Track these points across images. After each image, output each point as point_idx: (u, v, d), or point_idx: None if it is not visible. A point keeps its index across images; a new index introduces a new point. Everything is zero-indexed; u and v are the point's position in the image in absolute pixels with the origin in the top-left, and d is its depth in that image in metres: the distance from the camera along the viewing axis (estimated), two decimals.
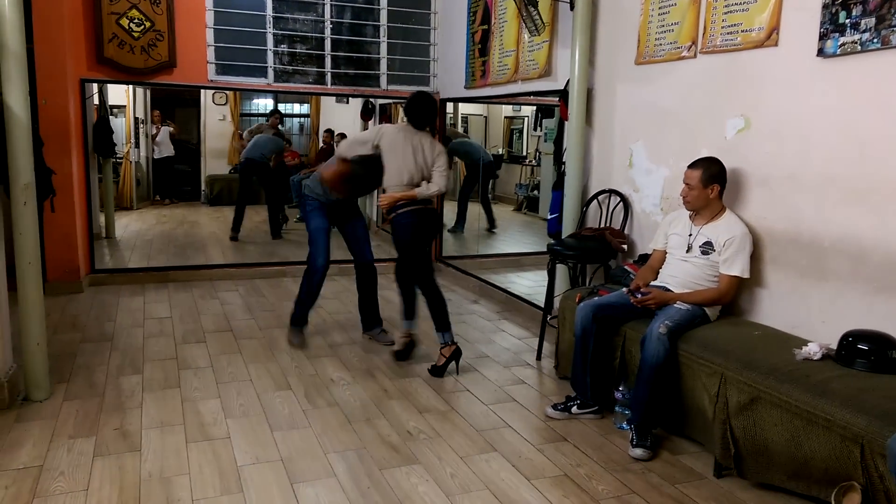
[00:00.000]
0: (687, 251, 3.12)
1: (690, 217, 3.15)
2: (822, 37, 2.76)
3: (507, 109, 10.24)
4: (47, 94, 4.92)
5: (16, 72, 3.04)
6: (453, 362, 3.77)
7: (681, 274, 3.12)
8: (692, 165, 3.08)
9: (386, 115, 8.70)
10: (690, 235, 3.12)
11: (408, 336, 3.98)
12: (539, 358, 4.05)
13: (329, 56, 6.05)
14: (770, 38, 3.01)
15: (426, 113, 3.80)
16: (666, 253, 3.27)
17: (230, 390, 3.44)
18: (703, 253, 3.06)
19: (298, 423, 3.10)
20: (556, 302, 3.96)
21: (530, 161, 10.11)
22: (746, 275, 3.00)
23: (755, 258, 3.06)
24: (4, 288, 3.17)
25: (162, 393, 3.38)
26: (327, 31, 6.03)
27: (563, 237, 4.16)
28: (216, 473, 2.62)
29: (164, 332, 4.36)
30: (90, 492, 2.47)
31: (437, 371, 3.72)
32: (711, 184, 3.02)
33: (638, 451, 2.84)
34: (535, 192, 9.45)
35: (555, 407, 3.25)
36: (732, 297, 3.08)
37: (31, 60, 3.80)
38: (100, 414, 3.12)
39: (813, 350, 2.59)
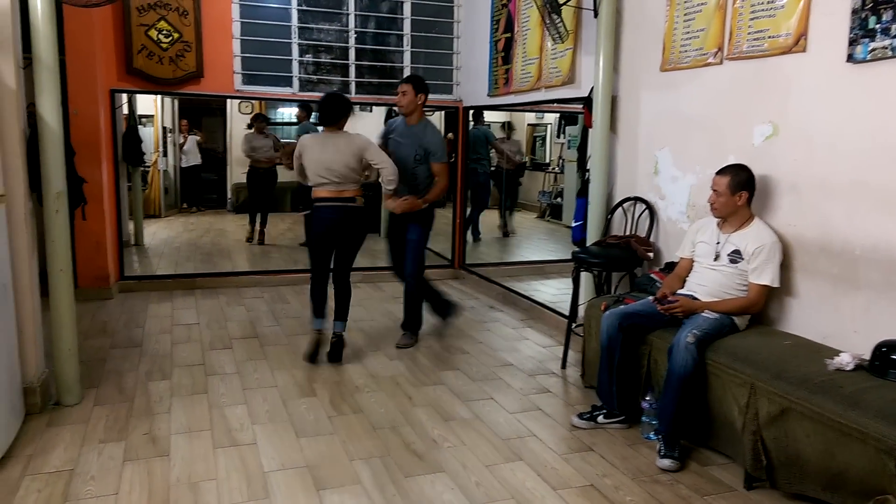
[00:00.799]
0: (715, 259, 3.08)
1: (718, 225, 3.12)
2: (852, 42, 2.72)
3: (531, 117, 10.24)
4: (78, 104, 5.03)
5: (48, 83, 3.12)
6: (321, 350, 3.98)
7: (708, 282, 3.08)
8: (720, 172, 3.05)
9: None
10: (718, 244, 3.08)
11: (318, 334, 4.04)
12: (564, 367, 4.03)
13: (353, 65, 6.10)
14: (798, 43, 2.98)
15: (333, 111, 3.93)
16: (693, 261, 3.23)
17: (256, 396, 3.46)
18: (732, 261, 3.02)
19: (324, 429, 3.11)
20: (581, 310, 3.93)
21: (553, 168, 10.09)
22: (776, 284, 2.95)
23: (785, 266, 3.02)
24: (37, 294, 3.23)
25: (190, 398, 3.42)
26: (351, 41, 6.08)
27: (587, 245, 4.14)
28: (243, 479, 2.65)
29: (191, 338, 4.41)
30: (120, 496, 2.50)
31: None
32: (739, 191, 2.99)
33: (666, 462, 2.81)
34: (559, 199, 9.42)
35: (580, 416, 3.23)
36: (762, 307, 3.04)
37: (62, 72, 3.89)
38: (129, 419, 3.16)
39: (845, 360, 2.54)
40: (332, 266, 4.07)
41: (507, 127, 9.30)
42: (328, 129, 3.97)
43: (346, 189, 3.91)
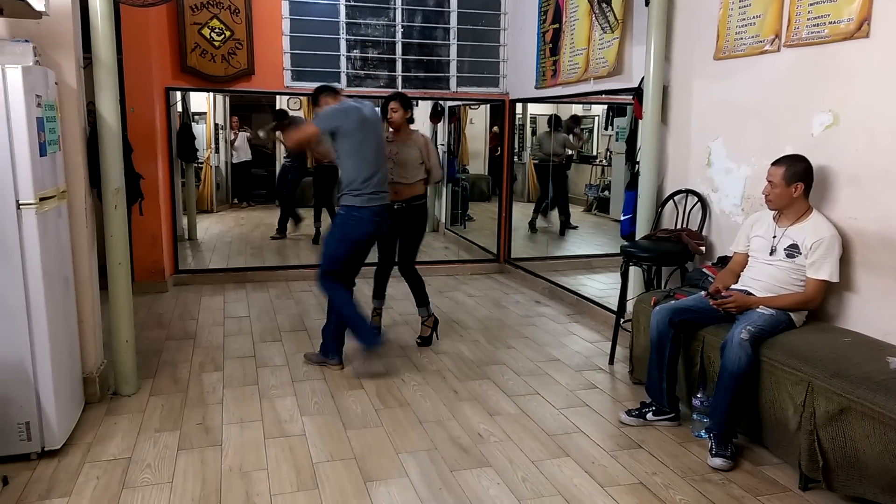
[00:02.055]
0: (771, 254, 2.99)
1: (774, 218, 3.02)
2: None
3: (577, 108, 10.10)
4: (135, 102, 5.18)
5: (107, 81, 3.21)
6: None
7: (764, 277, 2.99)
8: (776, 163, 2.95)
9: (455, 117, 8.73)
10: (774, 237, 2.99)
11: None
12: (612, 362, 3.97)
13: (400, 60, 6.12)
14: (860, 29, 2.85)
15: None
16: (747, 256, 3.14)
17: (305, 388, 3.52)
18: (789, 256, 2.92)
19: (371, 422, 3.14)
20: (630, 305, 3.87)
21: (601, 161, 9.94)
22: (836, 279, 2.85)
23: (844, 261, 2.91)
24: (96, 287, 3.35)
25: (241, 390, 3.49)
26: (398, 35, 6.10)
27: (636, 238, 4.07)
28: (293, 469, 2.69)
29: (242, 330, 4.50)
30: (174, 484, 2.57)
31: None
32: (795, 182, 2.89)
33: (717, 461, 2.74)
34: (606, 192, 9.28)
35: (629, 413, 3.18)
36: (819, 303, 2.93)
37: (120, 71, 4.00)
38: (183, 409, 3.25)
39: None
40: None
41: (554, 120, 9.18)
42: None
43: None
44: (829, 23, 3.00)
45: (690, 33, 3.91)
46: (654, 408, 3.14)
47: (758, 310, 2.89)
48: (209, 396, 3.40)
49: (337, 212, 3.81)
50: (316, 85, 3.96)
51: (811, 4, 3.09)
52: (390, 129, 4.21)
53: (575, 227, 8.14)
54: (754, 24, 3.43)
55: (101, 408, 3.23)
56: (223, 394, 3.43)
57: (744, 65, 3.53)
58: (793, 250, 2.91)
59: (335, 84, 4.69)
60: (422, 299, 4.34)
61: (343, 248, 3.73)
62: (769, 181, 2.95)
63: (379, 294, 4.44)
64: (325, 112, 3.67)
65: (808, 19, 3.11)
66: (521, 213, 7.77)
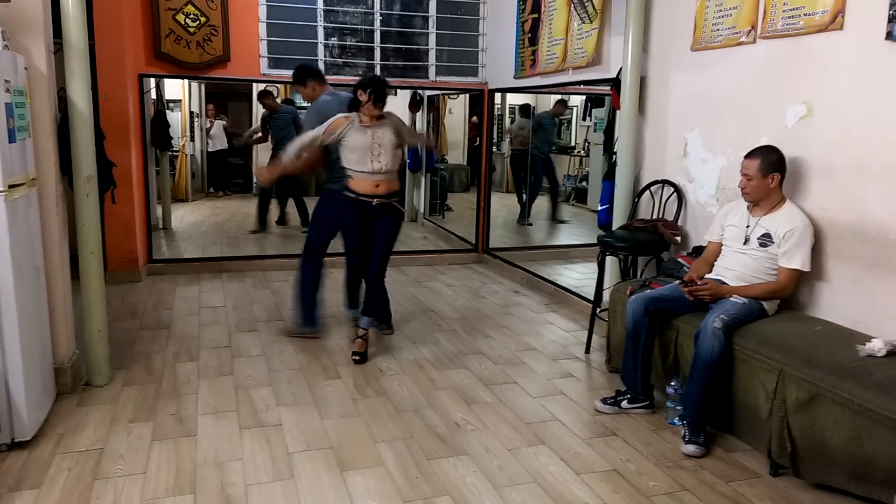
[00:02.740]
0: (744, 243, 3.02)
1: (748, 208, 3.06)
2: (892, 19, 2.63)
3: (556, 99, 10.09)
4: (107, 88, 5.08)
5: (78, 67, 3.15)
6: None
7: (737, 266, 3.02)
8: (749, 155, 2.97)
9: (434, 107, 8.71)
10: (748, 227, 3.02)
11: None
12: (588, 351, 4.00)
13: (378, 48, 6.08)
14: (835, 21, 2.89)
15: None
16: (721, 245, 3.17)
17: (281, 378, 3.50)
18: (762, 245, 2.96)
19: (348, 411, 3.14)
20: (606, 295, 3.90)
21: (579, 151, 9.98)
22: (807, 268, 2.89)
23: (816, 250, 2.95)
24: (68, 277, 3.29)
25: (216, 380, 3.46)
26: (377, 24, 6.06)
27: (613, 229, 4.09)
28: (268, 459, 2.68)
29: (218, 320, 4.46)
30: (148, 474, 2.55)
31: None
32: (771, 173, 2.92)
33: (690, 448, 2.78)
34: (584, 183, 9.33)
35: (604, 401, 3.21)
36: (791, 291, 2.98)
37: (92, 57, 3.92)
38: (157, 399, 3.21)
39: (877, 346, 2.48)
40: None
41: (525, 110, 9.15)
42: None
43: None
44: (804, 15, 3.03)
45: (668, 24, 3.93)
46: (628, 396, 3.18)
47: (731, 299, 2.92)
48: (183, 387, 3.37)
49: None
50: (298, 65, 3.94)
51: None
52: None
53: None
54: (731, 15, 3.45)
55: (73, 398, 3.19)
56: (198, 384, 3.40)
57: (720, 56, 3.55)
58: (766, 239, 2.95)
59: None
60: (375, 310, 3.91)
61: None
62: (744, 174, 2.97)
63: (354, 303, 4.02)
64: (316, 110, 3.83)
65: (784, 11, 3.14)
66: (500, 203, 7.79)
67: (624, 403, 3.17)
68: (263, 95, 7.71)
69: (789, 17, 3.11)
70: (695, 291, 3.01)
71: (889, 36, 2.65)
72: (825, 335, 2.72)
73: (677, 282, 3.17)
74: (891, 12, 2.63)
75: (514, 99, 9.19)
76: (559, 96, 9.58)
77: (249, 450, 2.75)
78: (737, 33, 3.42)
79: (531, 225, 7.83)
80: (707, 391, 2.80)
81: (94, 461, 2.63)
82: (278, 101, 7.97)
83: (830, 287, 2.96)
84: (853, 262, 2.86)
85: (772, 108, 3.23)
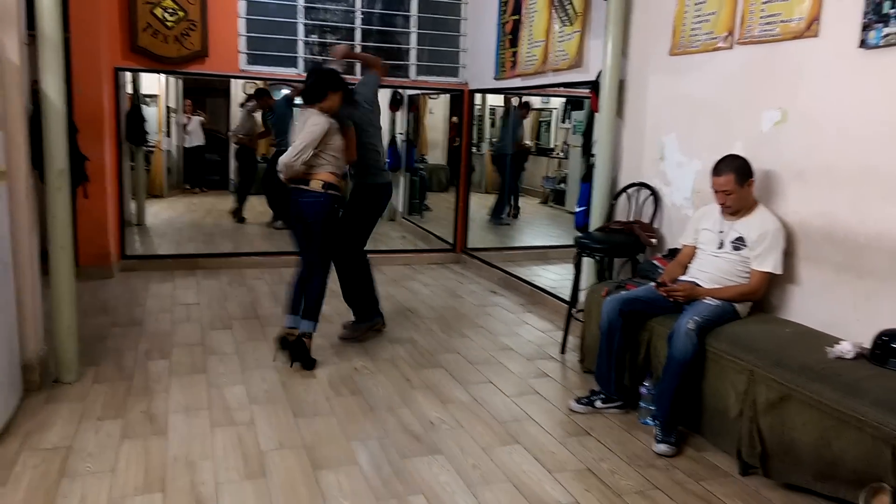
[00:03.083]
0: (719, 247, 3.05)
1: (721, 212, 3.09)
2: (865, 27, 2.68)
3: (535, 101, 10.15)
4: (82, 82, 5.00)
5: (52, 60, 3.09)
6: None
7: (711, 269, 3.06)
8: (720, 172, 2.95)
9: (414, 106, 8.70)
10: (722, 232, 3.05)
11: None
12: (563, 351, 4.02)
13: (359, 46, 6.05)
14: (810, 28, 2.93)
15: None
16: (696, 248, 3.21)
17: (255, 377, 3.47)
18: (735, 248, 2.99)
19: (322, 410, 3.12)
20: (582, 295, 3.92)
21: (558, 153, 10.03)
22: (779, 271, 2.93)
23: (788, 254, 2.99)
24: (37, 272, 3.23)
25: (189, 378, 3.42)
26: (357, 21, 6.03)
27: (590, 230, 4.12)
28: (240, 458, 2.65)
29: (191, 317, 4.41)
30: (117, 472, 2.51)
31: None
32: (747, 180, 2.94)
33: (662, 447, 2.80)
34: (562, 184, 9.37)
35: (578, 401, 3.22)
36: (763, 294, 3.01)
37: (66, 49, 3.85)
38: (128, 397, 3.16)
39: (846, 349, 2.52)
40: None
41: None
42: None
43: None
44: (781, 21, 3.07)
45: (647, 28, 3.96)
46: (602, 395, 3.19)
47: (704, 300, 2.96)
48: (155, 385, 3.32)
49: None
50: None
51: (764, 3, 3.16)
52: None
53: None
54: (709, 20, 3.49)
55: (41, 395, 3.13)
56: (170, 382, 3.36)
57: (698, 61, 3.59)
58: (739, 243, 2.98)
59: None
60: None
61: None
62: (721, 191, 2.95)
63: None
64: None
65: (761, 17, 3.18)
66: (479, 203, 7.80)
67: (598, 403, 3.19)
68: (261, 95, 7.83)
69: (766, 24, 3.15)
70: (669, 292, 3.03)
71: (863, 43, 2.69)
72: (795, 337, 2.76)
73: (652, 284, 3.20)
74: (864, 20, 2.68)
75: (496, 100, 9.22)
76: (539, 99, 9.62)
77: (221, 448, 2.72)
78: (714, 38, 3.45)
79: (508, 224, 7.86)
80: (679, 391, 2.83)
81: (61, 459, 2.58)
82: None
83: (801, 290, 3.01)
84: (823, 265, 2.90)
85: (747, 113, 3.27)
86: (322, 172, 3.56)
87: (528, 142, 8.78)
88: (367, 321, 4.16)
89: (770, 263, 2.92)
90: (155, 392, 3.23)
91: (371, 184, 4.00)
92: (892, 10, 2.57)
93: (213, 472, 2.54)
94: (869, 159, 2.71)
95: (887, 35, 2.59)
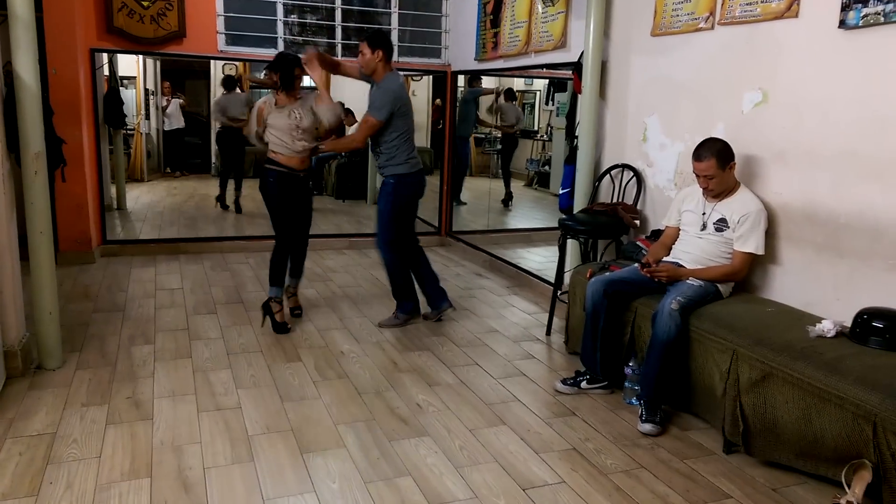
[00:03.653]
0: (702, 229, 3.08)
1: (704, 193, 3.11)
2: (844, 8, 2.69)
3: (519, 83, 10.12)
4: (57, 63, 4.90)
5: (25, 40, 3.02)
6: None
7: (694, 250, 3.08)
8: (700, 157, 2.95)
9: None
10: (704, 214, 3.07)
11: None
12: (549, 333, 4.05)
13: (339, 27, 5.98)
14: (790, 9, 2.94)
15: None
16: (679, 230, 3.23)
17: (241, 361, 3.46)
18: (718, 230, 3.02)
19: (308, 394, 3.12)
20: (567, 277, 3.94)
21: (542, 136, 10.02)
22: (761, 251, 2.96)
23: (770, 234, 3.03)
24: (17, 257, 3.18)
25: (174, 363, 3.40)
26: (338, 2, 5.95)
27: (574, 212, 4.13)
28: (227, 442, 2.65)
29: (175, 303, 4.38)
30: (103, 458, 2.50)
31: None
32: (728, 163, 2.95)
33: (647, 427, 2.84)
34: (547, 167, 9.37)
35: (564, 382, 3.25)
36: (745, 274, 3.05)
37: (40, 30, 3.77)
38: (112, 383, 3.14)
39: (827, 327, 2.56)
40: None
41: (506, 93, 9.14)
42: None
43: None
44: (761, 2, 3.08)
45: (629, 9, 3.95)
46: (588, 376, 3.22)
47: (687, 281, 2.98)
48: (139, 370, 3.30)
49: (387, 181, 3.94)
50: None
51: None
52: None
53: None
54: (690, 1, 3.49)
55: (24, 382, 3.09)
56: (154, 367, 3.34)
57: (679, 42, 3.59)
58: (721, 224, 3.01)
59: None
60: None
61: (404, 211, 4.00)
62: (704, 176, 2.97)
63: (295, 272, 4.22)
64: (382, 96, 3.80)
65: None
66: (464, 186, 7.78)
67: (583, 384, 3.22)
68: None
69: (747, 4, 3.16)
70: (653, 273, 3.06)
71: (842, 24, 2.71)
72: (777, 316, 2.80)
73: (636, 265, 3.22)
74: (843, 1, 2.69)
75: (484, 82, 9.17)
76: (522, 81, 9.58)
77: (208, 433, 2.72)
78: (696, 19, 3.46)
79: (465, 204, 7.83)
80: (663, 371, 2.86)
81: (46, 446, 2.56)
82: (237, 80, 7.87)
83: (783, 270, 3.05)
84: (805, 246, 2.94)
85: (729, 94, 3.29)
86: (269, 150, 3.88)
87: (514, 126, 8.72)
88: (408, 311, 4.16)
89: (752, 244, 2.95)
90: (140, 378, 3.21)
91: (389, 175, 3.95)
92: None
93: (200, 456, 2.54)
94: (849, 140, 2.73)
95: (866, 15, 2.61)
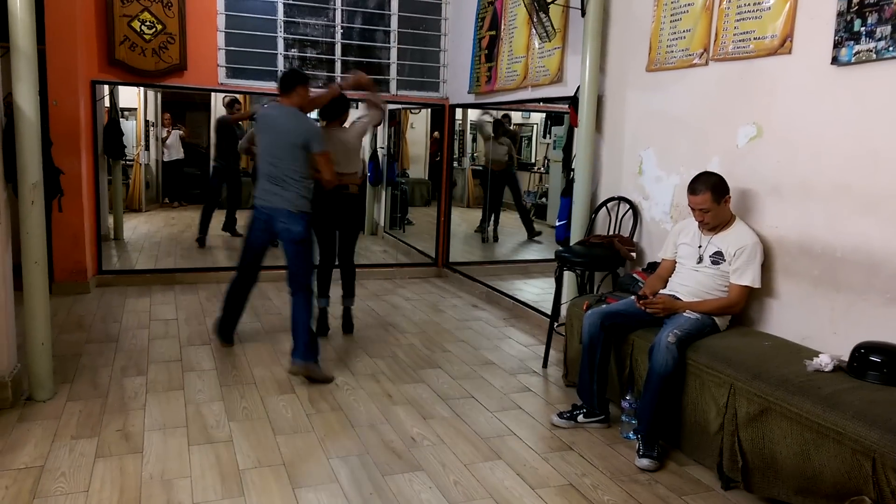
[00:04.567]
0: (698, 262, 3.07)
1: (700, 226, 3.11)
2: (837, 45, 2.73)
3: (517, 116, 10.22)
4: (58, 95, 4.94)
5: (25, 72, 3.05)
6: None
7: (691, 283, 3.08)
8: (695, 191, 2.97)
9: (395, 120, 8.71)
10: (700, 247, 3.07)
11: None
12: (545, 366, 4.01)
13: (339, 61, 6.06)
14: (783, 45, 2.98)
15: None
16: (675, 262, 3.23)
17: (234, 393, 3.42)
18: (714, 262, 3.02)
19: (301, 427, 3.08)
20: (564, 309, 3.92)
21: (539, 168, 10.10)
22: (757, 284, 2.95)
23: (766, 268, 3.02)
24: (10, 287, 3.17)
25: (165, 395, 3.36)
26: (338, 36, 6.04)
27: (571, 244, 4.13)
28: (218, 477, 2.60)
29: (169, 333, 4.35)
30: (90, 493, 2.45)
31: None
32: (723, 196, 2.97)
33: (644, 462, 2.80)
34: (544, 199, 9.42)
35: (560, 415, 3.21)
36: (742, 307, 3.04)
37: (42, 61, 3.80)
38: (103, 415, 3.10)
39: (824, 361, 2.54)
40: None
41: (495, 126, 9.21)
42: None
43: None
44: (754, 38, 3.12)
45: (624, 45, 4.01)
46: (584, 410, 3.19)
47: (684, 314, 2.97)
48: (131, 402, 3.26)
49: (304, 215, 3.73)
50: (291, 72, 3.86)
51: (738, 20, 3.21)
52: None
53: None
54: (684, 37, 3.54)
55: (14, 414, 3.05)
56: (146, 399, 3.30)
57: (674, 77, 3.63)
58: (717, 257, 3.01)
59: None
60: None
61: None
62: (699, 209, 2.97)
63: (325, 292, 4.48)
64: (315, 128, 3.79)
65: (735, 35, 3.23)
66: (461, 218, 7.81)
67: (580, 417, 3.18)
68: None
69: (740, 41, 3.20)
70: (648, 305, 3.05)
71: (834, 60, 2.74)
72: (774, 350, 2.78)
73: (633, 297, 3.21)
74: (836, 38, 2.73)
75: (476, 115, 9.25)
76: (520, 114, 9.68)
77: (198, 467, 2.67)
78: (690, 55, 3.50)
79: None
80: (660, 405, 2.83)
81: (33, 479, 2.52)
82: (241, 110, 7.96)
83: (779, 303, 3.04)
84: (801, 279, 2.94)
85: (723, 128, 3.31)
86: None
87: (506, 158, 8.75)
88: None
89: (748, 277, 2.94)
90: (131, 410, 3.17)
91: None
92: (863, 28, 2.62)
93: (190, 491, 2.49)
94: (843, 174, 2.75)
95: (858, 52, 2.65)
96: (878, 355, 2.45)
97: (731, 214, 3.05)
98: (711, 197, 2.94)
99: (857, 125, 2.69)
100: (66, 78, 4.98)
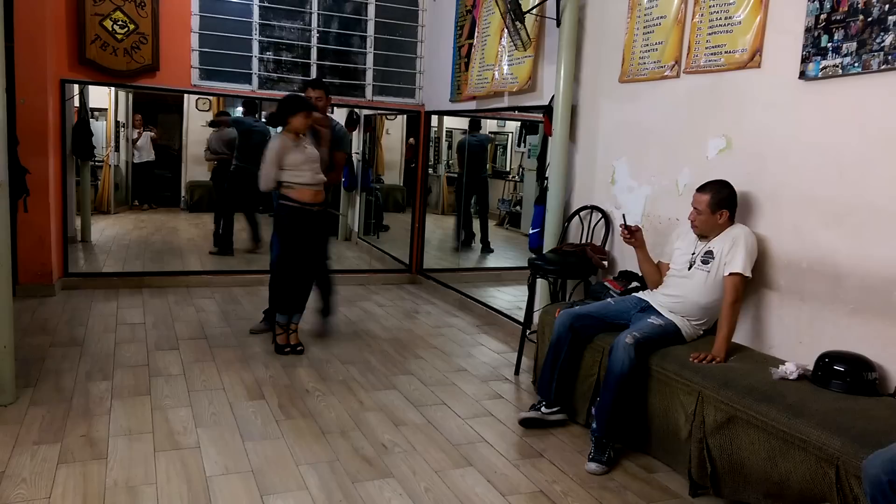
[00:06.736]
0: (689, 268, 3.05)
1: (692, 227, 3.07)
2: (805, 59, 2.79)
3: (492, 125, 10.28)
4: (26, 93, 4.84)
5: None
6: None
7: (677, 292, 3.04)
8: (701, 189, 2.98)
9: (371, 126, 8.69)
10: (694, 253, 3.06)
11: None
12: (517, 373, 4.02)
13: (315, 65, 6.03)
14: (753, 59, 3.04)
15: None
16: (669, 266, 3.23)
17: (202, 399, 3.37)
18: (704, 262, 2.99)
19: (271, 433, 3.04)
20: (536, 317, 3.94)
21: (513, 177, 10.15)
22: (748, 273, 2.87)
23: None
24: None
25: (131, 400, 3.30)
26: (314, 40, 6.02)
27: (544, 252, 4.16)
28: (184, 483, 2.56)
29: (136, 338, 4.27)
30: (52, 499, 2.39)
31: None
32: (720, 209, 2.94)
33: (592, 466, 2.83)
34: (518, 207, 9.48)
35: (531, 408, 3.28)
36: (742, 298, 2.93)
37: (10, 59, 3.73)
38: (66, 420, 3.03)
39: (790, 370, 2.59)
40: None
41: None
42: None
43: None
44: (725, 52, 3.18)
45: (599, 55, 4.05)
46: (544, 403, 3.25)
47: (648, 319, 3.00)
48: (96, 407, 3.19)
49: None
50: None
51: (709, 34, 3.27)
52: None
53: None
54: (656, 49, 3.59)
55: None
56: (111, 404, 3.23)
57: (646, 88, 3.68)
58: (708, 256, 2.98)
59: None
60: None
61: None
62: (695, 207, 2.99)
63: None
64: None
65: (706, 48, 3.29)
66: (435, 224, 7.81)
67: (542, 409, 3.23)
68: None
69: (711, 54, 3.26)
70: (702, 359, 2.80)
71: (802, 75, 2.81)
72: (742, 360, 2.82)
73: (619, 223, 3.22)
74: (804, 53, 2.79)
75: (452, 122, 9.29)
76: (495, 122, 9.72)
77: (164, 473, 2.62)
78: (662, 67, 3.55)
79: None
80: (616, 406, 2.84)
81: None
82: (223, 115, 7.83)
83: (745, 314, 3.08)
84: (768, 289, 2.99)
85: (694, 140, 3.37)
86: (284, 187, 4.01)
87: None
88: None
89: (738, 264, 2.85)
90: (95, 415, 3.10)
91: None
92: (830, 44, 2.69)
93: (155, 499, 2.44)
94: (809, 187, 2.81)
95: (825, 68, 2.71)
96: (841, 364, 2.50)
97: (722, 229, 2.99)
98: (709, 201, 2.94)
99: (824, 139, 2.75)
100: (34, 76, 4.88)
